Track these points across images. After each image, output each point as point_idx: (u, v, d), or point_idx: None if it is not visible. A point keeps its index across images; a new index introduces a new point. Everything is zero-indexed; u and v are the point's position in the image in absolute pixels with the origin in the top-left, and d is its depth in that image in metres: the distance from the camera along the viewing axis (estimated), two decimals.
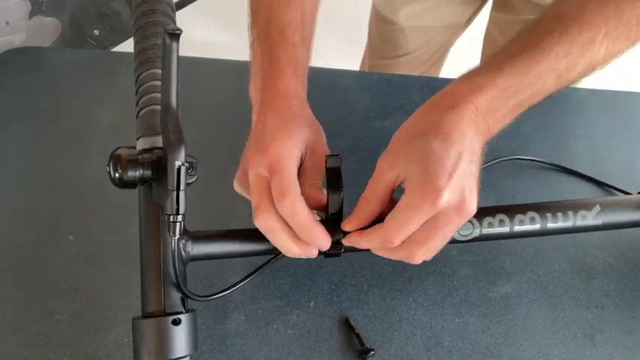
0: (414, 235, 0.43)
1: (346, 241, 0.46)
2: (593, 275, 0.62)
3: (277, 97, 0.48)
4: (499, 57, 0.45)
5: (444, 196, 0.40)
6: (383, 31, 1.01)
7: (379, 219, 0.45)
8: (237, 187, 0.50)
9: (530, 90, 0.45)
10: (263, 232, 0.45)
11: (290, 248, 0.45)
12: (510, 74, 0.44)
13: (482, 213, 0.52)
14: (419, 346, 0.55)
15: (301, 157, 0.46)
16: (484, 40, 1.05)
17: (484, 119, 0.43)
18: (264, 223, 0.44)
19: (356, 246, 0.46)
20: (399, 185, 0.44)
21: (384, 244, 0.44)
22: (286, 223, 0.44)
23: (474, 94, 0.43)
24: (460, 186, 0.41)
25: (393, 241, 0.43)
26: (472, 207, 0.42)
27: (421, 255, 0.44)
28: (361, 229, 0.45)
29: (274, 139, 0.45)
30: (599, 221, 0.52)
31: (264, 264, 0.49)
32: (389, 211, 0.43)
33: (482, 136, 0.44)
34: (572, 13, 0.46)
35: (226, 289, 0.47)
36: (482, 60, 1.04)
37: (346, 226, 0.46)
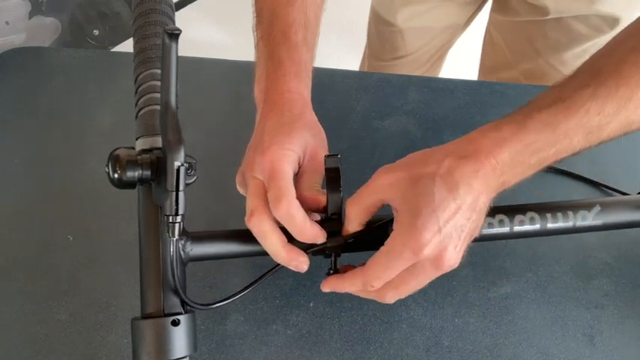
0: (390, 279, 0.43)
1: (326, 287, 0.46)
2: (593, 275, 0.62)
3: (279, 99, 0.48)
4: (528, 108, 0.43)
5: (426, 250, 0.40)
6: (381, 33, 1.01)
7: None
8: (238, 188, 0.50)
9: (555, 147, 0.42)
10: (255, 235, 0.45)
11: (278, 253, 0.45)
12: (537, 129, 0.41)
13: None
14: (419, 346, 0.55)
15: (299, 161, 0.46)
16: (484, 41, 1.04)
17: (502, 173, 0.42)
18: (256, 225, 0.44)
19: (336, 290, 0.46)
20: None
21: (364, 287, 0.44)
22: (277, 228, 0.44)
23: (497, 146, 0.41)
24: (445, 241, 0.40)
25: (372, 284, 0.43)
26: (451, 263, 0.41)
27: (392, 296, 0.44)
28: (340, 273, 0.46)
29: (272, 143, 0.45)
30: (599, 221, 0.52)
31: (265, 273, 0.48)
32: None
33: (492, 192, 0.42)
34: (608, 68, 0.42)
35: (225, 299, 0.47)
36: (482, 66, 1.04)
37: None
